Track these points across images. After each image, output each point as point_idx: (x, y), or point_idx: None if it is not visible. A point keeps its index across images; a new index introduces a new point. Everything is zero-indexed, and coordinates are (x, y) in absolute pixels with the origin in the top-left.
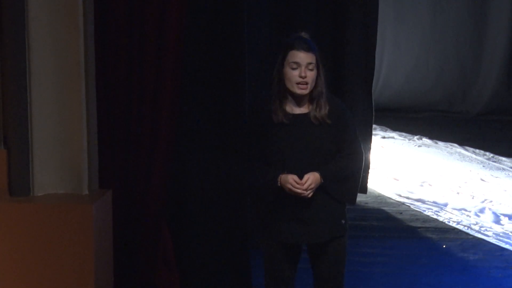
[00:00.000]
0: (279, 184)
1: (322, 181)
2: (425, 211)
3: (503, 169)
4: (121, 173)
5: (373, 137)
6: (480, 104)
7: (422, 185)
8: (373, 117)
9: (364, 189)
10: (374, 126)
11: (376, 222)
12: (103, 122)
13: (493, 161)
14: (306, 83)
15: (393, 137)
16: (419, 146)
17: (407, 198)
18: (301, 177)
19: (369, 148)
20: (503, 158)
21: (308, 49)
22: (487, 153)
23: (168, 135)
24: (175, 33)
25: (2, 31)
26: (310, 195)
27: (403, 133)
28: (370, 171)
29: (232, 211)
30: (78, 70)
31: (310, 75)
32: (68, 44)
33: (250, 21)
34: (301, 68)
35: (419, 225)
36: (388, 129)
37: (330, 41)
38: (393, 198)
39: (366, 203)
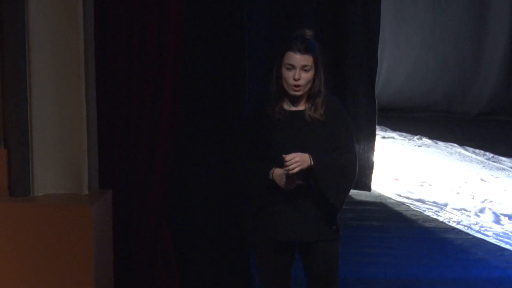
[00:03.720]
0: (271, 177)
1: (312, 163)
2: (425, 211)
3: (503, 169)
4: (121, 173)
5: None
6: (480, 104)
7: (422, 185)
8: (376, 116)
9: (368, 187)
10: None
11: (376, 222)
12: (103, 122)
13: (493, 161)
14: (300, 85)
15: (393, 137)
16: (419, 146)
17: (407, 198)
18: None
19: (372, 148)
20: (503, 158)
21: (304, 50)
22: (487, 153)
23: (168, 135)
24: (175, 33)
25: (2, 31)
26: (295, 170)
27: (403, 133)
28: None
29: (232, 211)
30: (78, 70)
31: (305, 77)
32: (68, 44)
33: (250, 21)
34: (296, 70)
35: (419, 225)
36: (388, 129)
37: (332, 41)
38: (393, 198)
39: (366, 203)
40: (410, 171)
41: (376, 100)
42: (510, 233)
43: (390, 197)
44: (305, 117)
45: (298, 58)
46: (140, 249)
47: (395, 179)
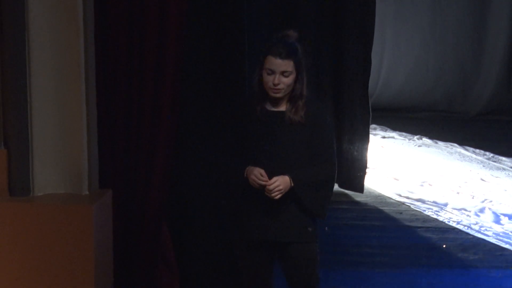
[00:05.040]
0: (245, 175)
1: (292, 184)
2: (425, 211)
3: (503, 169)
4: (121, 173)
5: (373, 137)
6: (480, 104)
7: (422, 185)
8: (370, 117)
9: (360, 189)
10: (374, 126)
11: (376, 222)
12: (103, 122)
13: (493, 161)
14: (279, 89)
15: (393, 137)
16: (419, 146)
17: (407, 198)
18: (269, 172)
19: (366, 149)
20: (503, 158)
21: (285, 56)
22: (487, 153)
23: (168, 135)
24: (175, 33)
25: (2, 31)
26: (277, 197)
27: (403, 133)
28: (368, 171)
29: (232, 211)
30: (78, 70)
31: (285, 82)
32: (68, 44)
33: (250, 21)
34: (275, 76)
35: (419, 225)
36: (388, 129)
37: (329, 42)
38: (393, 198)
39: (366, 203)
40: (410, 171)
41: (370, 102)
42: (510, 233)
43: (390, 197)
44: (285, 119)
45: (278, 63)
46: (140, 249)
47: (395, 179)
